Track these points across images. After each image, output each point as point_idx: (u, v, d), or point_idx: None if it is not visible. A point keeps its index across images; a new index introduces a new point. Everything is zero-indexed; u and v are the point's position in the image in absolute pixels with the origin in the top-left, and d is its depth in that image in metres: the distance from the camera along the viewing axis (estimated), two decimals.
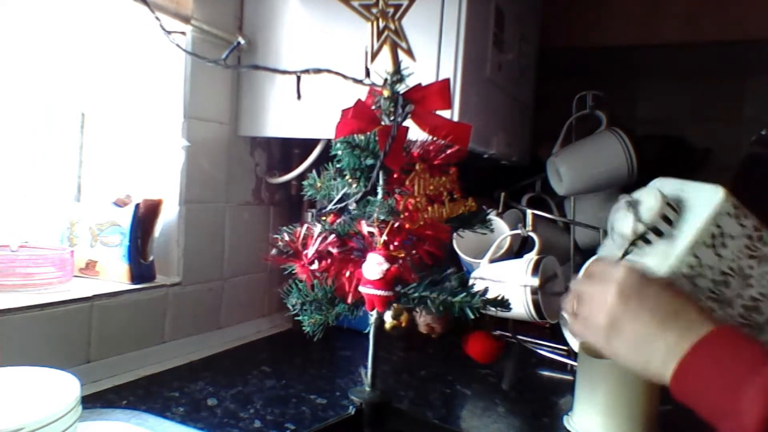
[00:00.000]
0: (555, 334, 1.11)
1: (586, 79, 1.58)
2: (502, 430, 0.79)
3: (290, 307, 0.65)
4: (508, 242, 1.15)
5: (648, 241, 0.81)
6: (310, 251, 0.62)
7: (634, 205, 0.81)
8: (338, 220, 0.64)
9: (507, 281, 1.06)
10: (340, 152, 0.62)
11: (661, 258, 0.78)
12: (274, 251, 0.64)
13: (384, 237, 0.59)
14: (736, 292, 0.77)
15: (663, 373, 0.54)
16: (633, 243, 0.81)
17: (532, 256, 1.07)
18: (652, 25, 1.38)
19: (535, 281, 1.03)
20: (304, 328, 0.65)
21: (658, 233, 0.80)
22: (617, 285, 0.58)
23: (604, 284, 0.59)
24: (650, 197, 0.81)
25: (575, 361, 0.94)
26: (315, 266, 0.62)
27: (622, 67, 1.69)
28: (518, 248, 1.19)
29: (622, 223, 0.83)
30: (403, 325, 1.10)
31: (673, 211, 0.79)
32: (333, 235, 0.62)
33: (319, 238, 0.62)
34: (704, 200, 0.77)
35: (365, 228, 0.61)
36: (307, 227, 0.63)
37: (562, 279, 1.12)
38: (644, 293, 0.57)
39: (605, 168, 1.25)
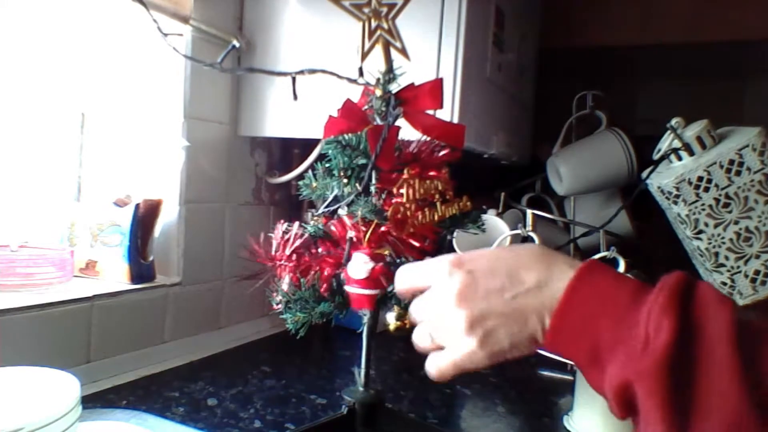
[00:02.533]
0: None
1: (586, 79, 1.58)
2: (502, 430, 0.79)
3: (274, 306, 0.65)
4: (508, 242, 1.15)
5: (680, 158, 0.92)
6: (287, 250, 0.62)
7: (679, 125, 0.94)
8: (329, 222, 0.64)
9: None
10: (330, 151, 0.62)
11: (675, 170, 0.89)
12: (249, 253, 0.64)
13: (368, 237, 0.59)
14: (734, 218, 0.86)
15: (540, 335, 0.46)
16: (665, 156, 0.93)
17: None
18: (652, 25, 1.38)
19: None
20: (287, 325, 0.65)
21: (691, 152, 0.91)
22: (448, 293, 0.48)
23: (438, 300, 0.49)
24: (697, 123, 0.92)
25: None
26: (291, 263, 0.62)
27: (622, 67, 1.69)
28: None
29: (665, 140, 0.95)
30: (407, 326, 1.10)
31: (710, 138, 0.90)
32: (305, 235, 0.62)
33: (295, 239, 0.62)
34: (742, 134, 0.88)
35: (345, 225, 0.61)
36: (285, 229, 0.63)
37: None
38: (479, 284, 0.47)
39: (605, 168, 1.25)
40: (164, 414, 0.75)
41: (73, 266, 0.92)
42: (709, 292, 0.42)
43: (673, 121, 0.93)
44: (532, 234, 1.12)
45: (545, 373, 1.02)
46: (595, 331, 0.43)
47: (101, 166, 1.06)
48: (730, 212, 0.84)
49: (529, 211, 1.15)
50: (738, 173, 0.84)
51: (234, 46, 1.03)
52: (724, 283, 0.85)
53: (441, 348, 0.52)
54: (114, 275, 0.95)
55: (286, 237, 0.62)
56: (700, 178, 0.85)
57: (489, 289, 0.47)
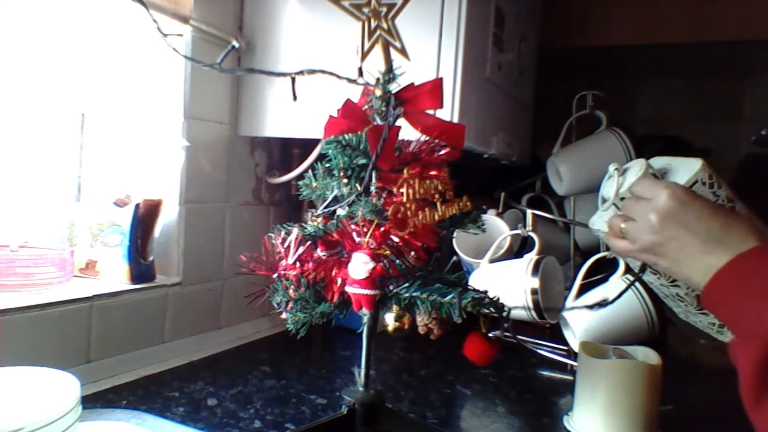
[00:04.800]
0: (555, 334, 1.11)
1: (586, 79, 1.58)
2: (502, 430, 0.79)
3: (275, 306, 0.65)
4: (508, 242, 1.15)
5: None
6: (290, 258, 0.62)
7: (620, 172, 0.88)
8: (329, 222, 0.64)
9: (507, 281, 1.06)
10: (330, 151, 0.62)
11: None
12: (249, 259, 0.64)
13: (368, 237, 0.59)
14: None
15: (698, 283, 0.58)
16: (615, 205, 0.87)
17: (532, 256, 1.08)
18: (652, 25, 1.38)
19: (535, 281, 1.03)
20: (287, 325, 0.65)
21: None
22: (660, 206, 0.62)
23: (648, 205, 0.63)
24: (636, 165, 0.87)
25: (575, 361, 0.94)
26: (296, 271, 0.62)
27: (622, 67, 1.69)
28: (518, 248, 1.19)
29: (609, 187, 0.90)
30: (406, 327, 1.10)
31: (655, 178, 0.85)
32: (309, 242, 0.62)
33: (297, 245, 0.62)
34: (684, 169, 0.83)
35: (350, 227, 0.61)
36: (285, 233, 0.63)
37: (562, 279, 1.12)
38: (685, 215, 0.60)
39: (605, 168, 1.25)
40: (164, 414, 0.75)
41: (73, 266, 0.92)
42: None
43: (611, 168, 0.91)
44: (532, 234, 1.12)
45: (545, 373, 1.02)
46: (737, 306, 0.53)
47: (101, 166, 1.06)
48: None
49: (529, 211, 1.15)
50: None
51: (234, 47, 1.03)
52: (712, 324, 0.84)
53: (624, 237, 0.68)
54: (114, 275, 0.95)
55: (287, 243, 0.62)
56: None
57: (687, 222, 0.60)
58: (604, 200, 0.93)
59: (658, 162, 0.89)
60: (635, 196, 0.67)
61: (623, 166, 0.90)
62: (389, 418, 0.69)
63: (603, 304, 0.98)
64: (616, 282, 1.03)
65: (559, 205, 1.43)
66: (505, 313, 0.64)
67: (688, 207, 0.61)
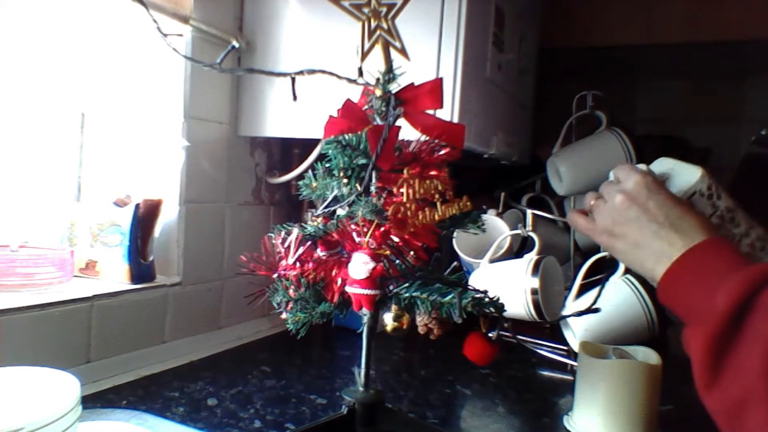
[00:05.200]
0: (555, 334, 1.11)
1: (586, 79, 1.58)
2: (502, 430, 0.79)
3: (275, 306, 0.65)
4: (508, 242, 1.15)
5: None
6: (290, 258, 0.62)
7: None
8: (329, 222, 0.64)
9: (507, 281, 1.06)
10: (330, 151, 0.62)
11: None
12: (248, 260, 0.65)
13: (368, 237, 0.59)
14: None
15: (653, 275, 0.60)
16: None
17: (532, 256, 1.08)
18: (652, 25, 1.38)
19: (535, 281, 1.03)
20: (287, 325, 0.65)
21: None
22: (625, 190, 0.65)
23: (617, 186, 0.66)
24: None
25: (575, 361, 0.94)
26: (296, 271, 0.62)
27: (622, 67, 1.69)
28: (518, 248, 1.19)
29: None
30: (405, 327, 1.10)
31: (633, 165, 0.85)
32: (309, 242, 0.62)
33: (297, 245, 0.62)
34: (684, 178, 0.82)
35: (350, 227, 0.61)
36: (285, 233, 0.63)
37: (562, 279, 1.12)
38: (648, 201, 0.63)
39: (605, 168, 1.24)
40: (164, 414, 0.75)
41: (73, 266, 0.92)
42: None
43: (612, 175, 0.91)
44: (532, 234, 1.12)
45: (545, 373, 1.02)
46: (689, 297, 0.55)
47: (101, 166, 1.06)
48: None
49: (529, 211, 1.15)
50: None
51: (234, 47, 1.03)
52: None
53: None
54: (114, 275, 0.95)
55: (287, 244, 0.62)
56: None
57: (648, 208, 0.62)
58: None
59: (660, 166, 0.89)
60: (613, 179, 0.70)
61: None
62: (389, 418, 0.69)
63: (593, 310, 0.98)
64: (616, 282, 1.03)
65: (559, 205, 1.43)
66: (504, 313, 0.64)
67: (653, 194, 0.63)
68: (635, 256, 0.63)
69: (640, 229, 0.62)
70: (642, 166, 0.87)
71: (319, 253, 0.64)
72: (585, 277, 1.07)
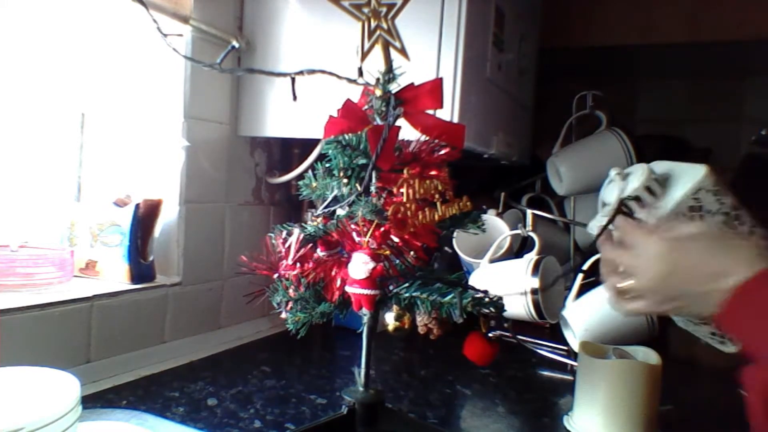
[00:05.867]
0: (555, 334, 1.11)
1: (586, 79, 1.58)
2: (502, 430, 0.79)
3: (275, 306, 0.65)
4: (508, 242, 1.15)
5: (631, 210, 0.85)
6: (290, 258, 0.62)
7: (622, 176, 0.86)
8: (329, 222, 0.64)
9: (507, 281, 1.06)
10: (330, 151, 0.62)
11: None
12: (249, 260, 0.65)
13: (368, 237, 0.59)
14: None
15: (711, 314, 0.57)
16: (617, 211, 0.85)
17: (532, 256, 1.08)
18: (652, 25, 1.38)
19: (535, 281, 1.03)
20: (287, 325, 0.65)
21: (642, 204, 0.85)
22: (658, 258, 0.60)
23: (643, 257, 0.62)
24: (638, 170, 0.86)
25: (575, 361, 0.94)
26: (296, 271, 0.62)
27: (622, 67, 1.69)
28: (518, 248, 1.19)
29: (610, 192, 0.89)
30: (406, 326, 1.10)
31: (658, 185, 0.84)
32: (310, 245, 0.62)
33: (297, 245, 0.62)
34: (688, 176, 0.82)
35: (350, 227, 0.61)
36: (286, 234, 0.63)
37: (563, 279, 1.12)
38: (684, 257, 0.59)
39: (605, 168, 1.25)
40: (164, 414, 0.75)
41: (73, 266, 0.92)
42: None
43: (612, 173, 0.89)
44: (532, 234, 1.12)
45: (545, 373, 1.02)
46: (755, 330, 0.52)
47: (101, 166, 1.06)
48: None
49: (529, 211, 1.15)
50: (701, 218, 0.80)
51: (234, 47, 1.03)
52: (713, 333, 0.83)
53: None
54: (114, 275, 0.95)
55: (287, 244, 0.62)
56: None
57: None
58: (605, 204, 0.92)
59: (660, 167, 0.88)
60: (624, 246, 0.66)
61: (624, 171, 0.89)
62: (389, 418, 0.69)
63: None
64: None
65: (559, 205, 1.43)
66: (504, 313, 0.64)
67: (685, 249, 0.60)
68: (692, 310, 0.61)
69: (690, 284, 0.58)
70: (643, 166, 0.87)
71: (319, 253, 0.64)
72: (585, 277, 1.07)
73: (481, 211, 0.67)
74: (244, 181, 1.18)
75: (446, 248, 1.16)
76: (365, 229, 0.60)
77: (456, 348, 1.02)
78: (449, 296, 0.61)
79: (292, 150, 1.23)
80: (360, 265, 0.60)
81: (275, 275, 0.64)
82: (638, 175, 0.85)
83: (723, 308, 0.55)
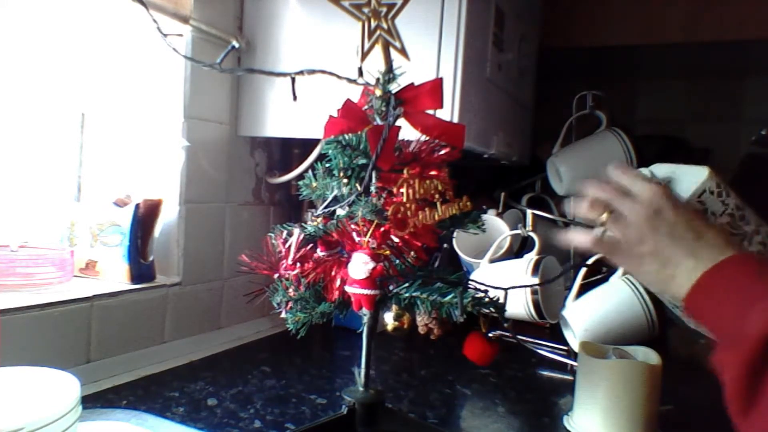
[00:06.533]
0: (555, 334, 1.11)
1: (586, 79, 1.58)
2: (502, 430, 0.79)
3: (275, 306, 0.65)
4: (508, 242, 1.15)
5: None
6: (290, 259, 0.62)
7: None
8: (329, 222, 0.64)
9: (507, 281, 1.06)
10: (330, 151, 0.62)
11: None
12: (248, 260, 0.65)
13: (368, 237, 0.59)
14: None
15: (681, 290, 0.57)
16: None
17: (532, 256, 1.08)
18: (652, 25, 1.38)
19: (535, 281, 1.03)
20: (287, 325, 0.65)
21: None
22: (650, 204, 0.61)
23: (636, 202, 0.62)
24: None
25: (575, 361, 0.94)
26: (296, 271, 0.62)
27: (622, 67, 1.69)
28: (518, 248, 1.19)
29: None
30: (405, 326, 1.10)
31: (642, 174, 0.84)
32: (311, 245, 0.62)
33: (297, 245, 0.62)
34: (690, 178, 0.81)
35: (350, 227, 0.61)
36: (287, 234, 0.63)
37: (562, 279, 1.12)
38: (676, 215, 0.60)
39: (605, 168, 1.25)
40: (164, 414, 0.75)
41: (73, 266, 0.92)
42: None
43: (613, 177, 0.90)
44: (532, 234, 1.12)
45: (545, 373, 1.02)
46: (720, 313, 0.53)
47: (101, 166, 1.06)
48: None
49: (529, 211, 1.15)
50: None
51: (234, 47, 1.03)
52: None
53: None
54: (114, 275, 0.95)
55: (287, 244, 0.62)
56: None
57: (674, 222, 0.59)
58: None
59: (662, 169, 0.88)
60: (617, 191, 0.66)
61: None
62: (389, 418, 0.69)
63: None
64: (616, 282, 1.03)
65: (559, 205, 1.43)
66: (505, 313, 0.64)
67: (677, 205, 0.61)
68: (666, 275, 0.59)
69: (672, 245, 0.58)
70: (644, 170, 0.87)
71: (319, 253, 0.64)
72: (585, 277, 1.07)
73: (481, 211, 0.67)
74: (244, 181, 1.18)
75: (446, 245, 1.16)
76: (365, 229, 0.60)
77: (456, 348, 1.02)
78: (449, 296, 0.61)
79: (292, 150, 1.23)
80: (360, 265, 0.60)
81: (276, 275, 0.64)
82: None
83: (691, 291, 0.56)
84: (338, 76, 0.67)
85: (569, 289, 1.08)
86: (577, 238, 0.68)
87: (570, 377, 0.98)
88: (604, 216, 0.65)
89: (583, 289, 1.06)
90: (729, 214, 0.79)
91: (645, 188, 0.63)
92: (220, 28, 1.04)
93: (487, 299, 0.62)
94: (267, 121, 1.10)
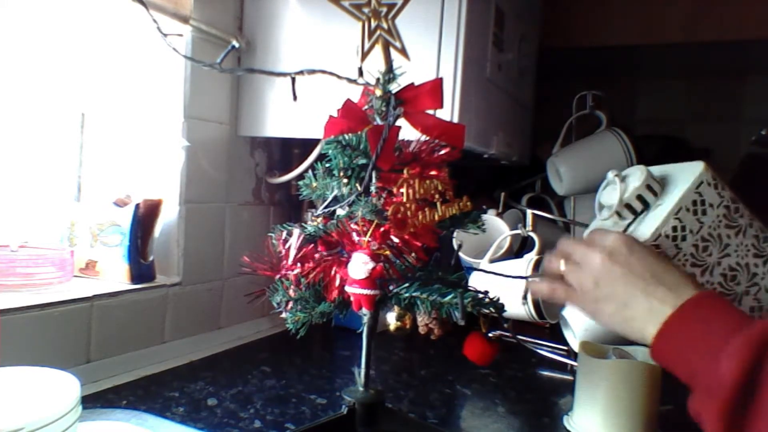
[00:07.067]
0: (555, 334, 1.11)
1: (586, 79, 1.58)
2: (502, 430, 0.79)
3: (275, 305, 0.65)
4: (508, 242, 1.15)
5: (633, 211, 0.86)
6: (290, 259, 0.62)
7: (621, 179, 0.87)
8: (329, 222, 0.64)
9: (507, 281, 1.06)
10: (330, 151, 0.62)
11: (646, 225, 0.84)
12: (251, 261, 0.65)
13: (368, 237, 0.59)
14: (716, 260, 0.82)
15: (644, 334, 0.57)
16: (618, 213, 0.86)
17: (532, 256, 1.08)
18: (652, 25, 1.38)
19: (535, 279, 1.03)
20: (287, 325, 0.65)
21: (644, 203, 0.86)
22: (605, 249, 0.61)
23: (593, 249, 0.62)
24: (636, 171, 0.87)
25: (575, 361, 0.94)
26: (296, 271, 0.62)
27: (622, 67, 1.70)
28: (518, 248, 1.19)
29: (609, 194, 0.89)
30: (408, 326, 1.10)
31: (657, 183, 0.86)
32: (312, 245, 0.62)
33: (298, 245, 0.62)
34: (687, 172, 0.83)
35: (350, 227, 0.61)
36: (287, 234, 0.63)
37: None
38: (630, 257, 0.60)
39: (605, 168, 1.25)
40: (164, 414, 0.75)
41: (73, 266, 0.92)
42: None
43: (610, 175, 0.88)
44: (532, 234, 1.12)
45: (545, 373, 1.02)
46: (688, 360, 0.51)
47: (101, 166, 1.06)
48: (710, 255, 0.81)
49: (529, 211, 1.15)
50: (704, 212, 0.81)
51: (234, 47, 1.03)
52: None
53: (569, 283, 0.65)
54: (114, 275, 0.95)
55: (288, 244, 0.62)
56: (675, 228, 0.80)
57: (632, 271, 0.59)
58: (602, 207, 0.93)
59: (656, 170, 0.90)
60: (579, 242, 0.66)
61: (623, 173, 0.89)
62: (389, 418, 0.69)
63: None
64: None
65: (559, 205, 1.43)
66: (504, 313, 0.64)
67: (634, 249, 0.60)
68: (624, 318, 0.59)
69: (626, 286, 0.58)
70: (641, 167, 0.87)
71: (320, 253, 0.64)
72: None
73: (481, 211, 0.67)
74: (244, 181, 1.18)
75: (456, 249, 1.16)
76: (365, 229, 0.60)
77: (456, 348, 1.02)
78: (449, 296, 0.61)
79: (292, 150, 1.23)
80: (360, 265, 0.60)
81: (277, 276, 0.64)
82: (637, 175, 0.86)
83: (657, 337, 0.55)
84: (338, 76, 0.67)
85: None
86: (536, 288, 0.70)
87: (570, 377, 0.98)
88: (562, 264, 0.66)
89: None
90: (725, 206, 0.81)
91: (605, 236, 0.63)
92: (220, 28, 1.04)
93: (486, 299, 0.62)
94: (267, 121, 1.10)
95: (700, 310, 0.53)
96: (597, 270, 0.61)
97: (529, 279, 0.83)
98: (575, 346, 1.00)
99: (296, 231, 0.63)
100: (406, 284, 0.63)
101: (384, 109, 0.61)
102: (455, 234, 0.68)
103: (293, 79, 0.68)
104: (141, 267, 0.96)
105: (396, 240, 0.60)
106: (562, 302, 0.69)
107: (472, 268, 1.17)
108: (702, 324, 0.52)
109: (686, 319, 0.53)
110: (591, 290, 0.61)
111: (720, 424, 0.46)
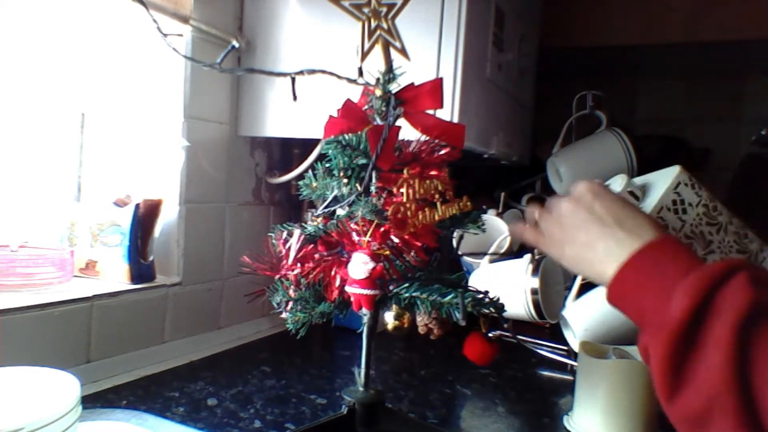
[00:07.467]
0: (555, 334, 1.11)
1: (586, 79, 1.58)
2: (502, 430, 0.79)
3: (275, 305, 0.65)
4: (508, 242, 1.15)
5: None
6: (290, 259, 0.62)
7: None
8: (329, 222, 0.64)
9: (507, 281, 1.06)
10: (330, 151, 0.62)
11: None
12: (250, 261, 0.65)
13: (368, 237, 0.59)
14: (702, 257, 0.83)
15: (603, 277, 0.57)
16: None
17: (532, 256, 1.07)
18: (653, 25, 1.38)
19: (535, 281, 1.03)
20: (287, 325, 0.65)
21: None
22: (573, 197, 0.63)
23: (561, 200, 0.64)
24: (618, 179, 0.91)
25: (575, 361, 0.94)
26: (296, 271, 0.62)
27: (622, 67, 1.70)
28: (518, 248, 1.19)
29: None
30: (406, 325, 1.10)
31: (638, 189, 0.90)
32: (312, 245, 0.62)
33: (298, 245, 0.62)
34: (665, 176, 0.87)
35: (350, 227, 0.61)
36: (287, 234, 0.63)
37: (562, 279, 1.12)
38: (594, 203, 0.61)
39: (605, 168, 1.25)
40: (164, 414, 0.75)
41: (73, 266, 0.92)
42: (745, 278, 0.46)
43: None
44: None
45: (545, 373, 1.02)
46: (641, 300, 0.52)
47: (101, 166, 1.06)
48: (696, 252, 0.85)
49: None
50: (684, 211, 0.84)
51: (234, 47, 1.03)
52: None
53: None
54: (114, 275, 0.95)
55: (288, 244, 0.62)
56: None
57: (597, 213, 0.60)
58: None
59: (639, 178, 0.94)
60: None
61: (605, 183, 0.92)
62: (389, 418, 0.69)
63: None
64: None
65: None
66: (504, 313, 0.64)
67: (599, 196, 0.61)
68: (585, 259, 0.60)
69: (588, 231, 0.60)
70: (623, 176, 0.92)
71: (319, 253, 0.64)
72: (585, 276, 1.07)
73: (481, 211, 0.67)
74: (244, 181, 1.18)
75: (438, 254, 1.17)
76: (365, 229, 0.60)
77: (456, 348, 1.02)
78: (449, 296, 0.61)
79: (292, 150, 1.23)
80: (360, 265, 0.60)
81: (277, 276, 0.64)
82: (618, 182, 0.90)
83: (615, 278, 0.55)
84: (338, 76, 0.67)
85: (569, 289, 1.08)
86: (513, 229, 0.73)
87: (570, 377, 0.98)
88: (536, 213, 0.69)
89: (583, 289, 1.06)
90: (704, 204, 0.83)
91: (574, 186, 0.65)
92: (220, 28, 1.04)
93: (486, 299, 0.62)
94: (267, 121, 1.10)
95: (657, 253, 0.53)
96: (562, 215, 0.63)
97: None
98: (575, 346, 1.00)
99: (296, 231, 0.63)
100: (406, 284, 0.63)
101: (384, 109, 0.61)
102: (455, 234, 0.68)
103: (293, 79, 0.69)
104: (141, 267, 0.96)
105: (396, 240, 0.60)
106: (533, 246, 0.72)
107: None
108: (657, 266, 0.52)
109: (643, 261, 0.53)
110: (557, 235, 0.64)
111: (666, 354, 0.46)
